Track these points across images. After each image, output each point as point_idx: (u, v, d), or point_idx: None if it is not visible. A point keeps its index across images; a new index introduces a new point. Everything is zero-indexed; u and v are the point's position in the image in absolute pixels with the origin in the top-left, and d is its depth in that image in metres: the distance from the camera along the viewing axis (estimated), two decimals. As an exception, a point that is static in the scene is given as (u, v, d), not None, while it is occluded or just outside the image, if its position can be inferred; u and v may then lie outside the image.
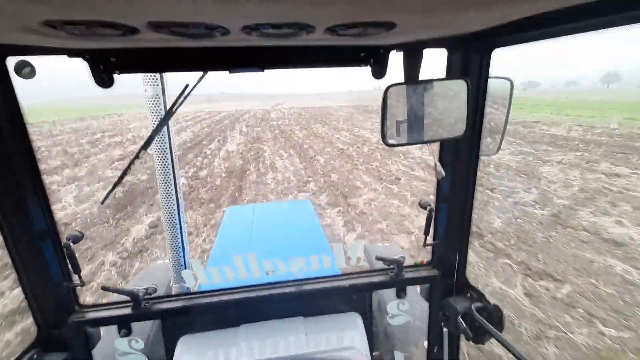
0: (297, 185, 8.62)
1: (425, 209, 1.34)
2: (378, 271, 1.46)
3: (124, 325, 1.29)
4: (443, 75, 1.13)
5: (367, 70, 1.09)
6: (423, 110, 1.08)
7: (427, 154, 11.58)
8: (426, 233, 1.34)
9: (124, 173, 1.25)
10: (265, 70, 1.06)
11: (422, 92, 1.07)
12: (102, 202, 1.53)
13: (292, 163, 11.25)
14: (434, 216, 1.35)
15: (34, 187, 1.05)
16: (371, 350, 1.52)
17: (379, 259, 1.45)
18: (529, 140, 14.11)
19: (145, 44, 0.84)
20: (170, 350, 1.45)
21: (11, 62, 0.88)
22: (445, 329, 1.45)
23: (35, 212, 1.07)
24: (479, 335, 1.26)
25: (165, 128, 1.99)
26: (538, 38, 0.82)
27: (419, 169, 9.69)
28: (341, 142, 15.30)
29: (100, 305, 1.29)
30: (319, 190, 8.07)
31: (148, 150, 1.33)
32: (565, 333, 3.10)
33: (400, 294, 1.49)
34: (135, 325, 1.32)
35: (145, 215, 6.66)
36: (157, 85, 1.99)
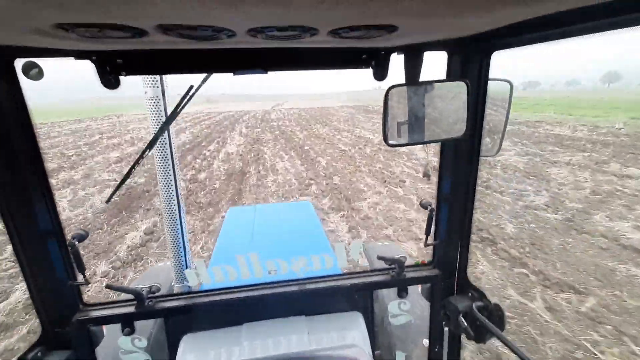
0: (299, 188, 8.36)
1: (426, 209, 1.35)
2: (379, 271, 1.46)
3: (127, 323, 1.30)
4: (442, 77, 1.14)
5: (367, 71, 1.10)
6: (424, 111, 1.09)
7: (432, 155, 11.30)
8: (427, 233, 1.36)
9: (129, 173, 1.28)
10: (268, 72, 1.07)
11: (423, 93, 1.09)
12: (107, 202, 1.56)
13: (293, 165, 10.99)
14: (434, 216, 1.36)
15: (40, 186, 1.06)
16: (373, 350, 1.53)
17: (380, 258, 1.44)
18: (534, 141, 13.84)
19: (152, 45, 0.85)
20: (173, 349, 1.46)
21: (19, 63, 0.90)
22: (446, 328, 1.45)
23: (40, 211, 1.08)
24: (480, 334, 1.26)
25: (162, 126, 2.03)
26: (537, 41, 0.83)
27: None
28: (343, 143, 15.04)
29: (104, 303, 1.29)
30: (322, 193, 7.80)
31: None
32: (595, 354, 2.84)
33: (402, 293, 1.50)
34: (137, 324, 1.33)
35: (141, 220, 6.39)
36: (157, 87, 2.00)
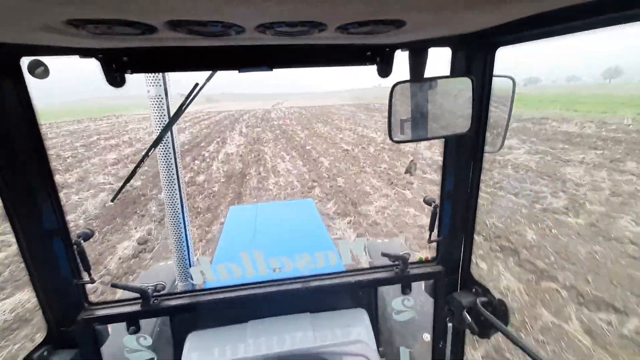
0: (302, 191, 7.98)
1: (430, 205, 1.35)
2: (383, 267, 1.46)
3: (132, 322, 1.29)
4: (444, 73, 1.14)
5: (367, 68, 1.10)
6: (429, 107, 1.09)
7: (438, 155, 10.95)
8: (431, 229, 1.36)
9: (133, 172, 1.30)
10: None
11: (427, 90, 1.09)
12: (112, 201, 1.55)
13: (294, 166, 10.60)
14: (438, 213, 1.36)
15: (45, 185, 1.06)
16: (377, 346, 1.53)
17: (384, 255, 1.43)
18: (543, 138, 13.44)
19: (158, 43, 0.86)
20: (178, 347, 1.47)
21: (24, 62, 0.89)
22: (450, 324, 1.46)
23: (46, 209, 1.08)
24: (484, 329, 1.27)
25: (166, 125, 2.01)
26: (542, 36, 0.83)
27: (431, 171, 9.04)
28: (345, 143, 14.64)
29: (110, 302, 1.29)
30: (326, 197, 7.42)
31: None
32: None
33: (405, 290, 1.51)
34: (141, 323, 1.32)
35: (135, 228, 6.02)
36: (160, 85, 1.99)
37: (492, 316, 1.21)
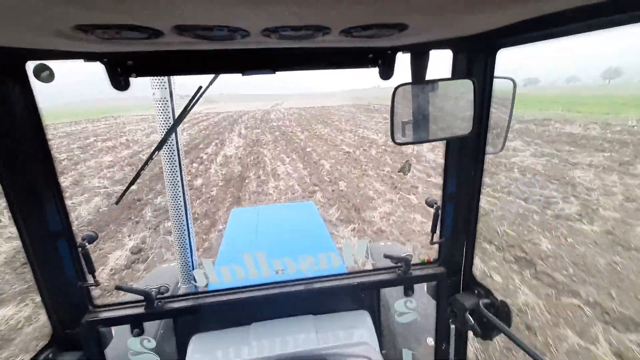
0: (303, 196, 7.72)
1: (431, 207, 1.34)
2: (386, 269, 1.45)
3: (137, 324, 1.29)
4: (445, 75, 1.14)
5: (365, 69, 1.11)
6: (431, 109, 1.10)
7: (441, 157, 10.64)
8: (433, 231, 1.36)
9: (137, 174, 1.33)
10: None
11: (429, 92, 1.10)
12: (117, 203, 1.56)
13: (295, 169, 10.34)
14: (440, 214, 1.35)
15: (50, 188, 1.06)
16: (380, 348, 1.52)
17: (387, 257, 1.42)
18: (547, 140, 13.19)
19: (163, 47, 0.88)
20: (182, 349, 1.47)
21: (30, 66, 0.90)
22: (452, 326, 1.45)
23: (51, 212, 1.08)
24: (487, 331, 1.26)
25: (171, 127, 1.99)
26: (542, 38, 0.83)
27: (436, 174, 8.79)
28: (346, 145, 14.38)
29: (114, 305, 1.29)
30: (328, 202, 7.15)
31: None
32: None
33: (408, 291, 1.50)
34: (144, 325, 1.32)
35: (129, 236, 5.75)
36: (165, 88, 2.00)
37: (494, 318, 1.20)
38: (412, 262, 1.42)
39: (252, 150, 13.81)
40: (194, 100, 1.30)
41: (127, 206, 7.38)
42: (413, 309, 1.54)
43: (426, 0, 0.55)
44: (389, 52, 1.06)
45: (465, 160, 1.25)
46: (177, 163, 2.15)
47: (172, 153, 2.12)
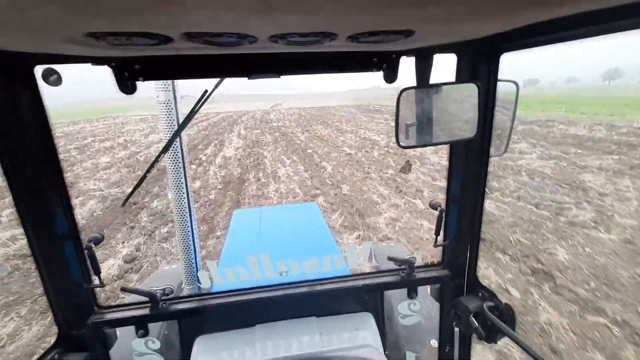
0: (304, 200, 7.46)
1: (435, 209, 1.35)
2: (389, 271, 1.45)
3: (141, 325, 1.30)
4: (447, 79, 1.15)
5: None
6: (435, 112, 1.11)
7: (445, 160, 10.42)
8: (437, 233, 1.36)
9: (144, 177, 1.33)
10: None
11: (434, 96, 1.11)
12: (123, 205, 1.64)
13: (295, 171, 10.08)
14: (444, 217, 1.35)
15: (58, 190, 1.07)
16: (383, 350, 1.52)
17: (390, 259, 1.42)
18: (552, 142, 12.94)
19: (170, 52, 0.89)
20: (186, 351, 1.48)
21: (38, 70, 0.92)
22: (456, 329, 1.45)
23: (58, 214, 1.08)
24: (491, 334, 1.26)
25: (177, 130, 1.98)
26: (546, 43, 0.85)
27: (441, 178, 8.53)
28: (347, 146, 14.13)
29: (119, 306, 1.30)
30: (330, 206, 6.89)
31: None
32: None
33: (412, 294, 1.49)
34: (148, 326, 1.33)
35: (123, 243, 5.49)
36: (169, 91, 2.02)
37: (499, 321, 1.21)
38: (415, 265, 1.43)
39: (252, 152, 13.55)
40: (200, 104, 1.30)
41: (122, 210, 7.12)
42: (417, 311, 1.54)
43: (434, 8, 0.55)
44: (394, 56, 1.08)
45: (470, 163, 1.26)
46: (181, 165, 2.16)
47: (177, 155, 2.14)
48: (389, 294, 1.76)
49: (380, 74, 1.13)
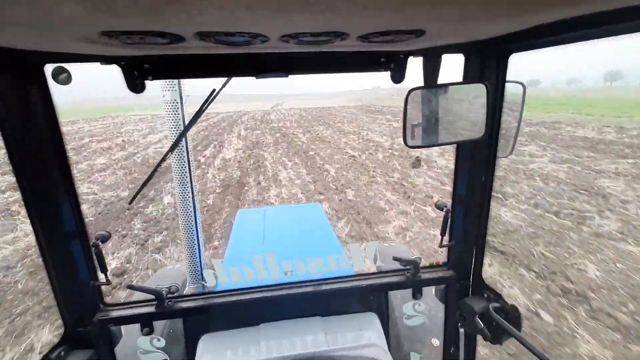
0: (307, 206, 7.06)
1: (441, 210, 1.35)
2: (394, 272, 1.46)
3: (147, 323, 1.31)
4: (455, 79, 1.15)
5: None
6: (443, 112, 1.11)
7: (452, 163, 9.99)
8: (442, 234, 1.37)
9: (150, 177, 1.33)
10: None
11: (442, 96, 1.11)
12: (130, 203, 1.56)
13: (297, 175, 9.69)
14: (450, 217, 1.36)
15: (66, 188, 1.08)
16: (388, 350, 1.53)
17: (396, 259, 1.42)
18: (562, 145, 12.55)
19: (180, 51, 0.89)
20: (191, 349, 1.49)
21: (48, 68, 0.92)
22: (461, 330, 1.45)
23: (66, 211, 1.09)
24: (497, 335, 1.26)
25: (184, 129, 1.92)
26: (554, 44, 0.85)
27: (450, 182, 8.12)
28: (350, 148, 13.74)
29: (125, 304, 1.31)
30: (336, 214, 6.49)
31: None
32: None
33: (417, 294, 1.49)
34: (153, 324, 1.34)
35: (113, 254, 5.10)
36: (175, 90, 2.03)
37: (505, 322, 1.20)
38: (420, 265, 1.43)
39: (252, 153, 13.16)
40: (207, 103, 1.31)
41: (115, 216, 6.74)
42: (421, 312, 1.53)
43: (446, 7, 0.56)
44: (402, 56, 1.08)
45: (477, 164, 1.26)
46: (186, 164, 2.19)
47: (182, 154, 2.16)
48: (394, 294, 1.76)
49: (381, 74, 1.13)
